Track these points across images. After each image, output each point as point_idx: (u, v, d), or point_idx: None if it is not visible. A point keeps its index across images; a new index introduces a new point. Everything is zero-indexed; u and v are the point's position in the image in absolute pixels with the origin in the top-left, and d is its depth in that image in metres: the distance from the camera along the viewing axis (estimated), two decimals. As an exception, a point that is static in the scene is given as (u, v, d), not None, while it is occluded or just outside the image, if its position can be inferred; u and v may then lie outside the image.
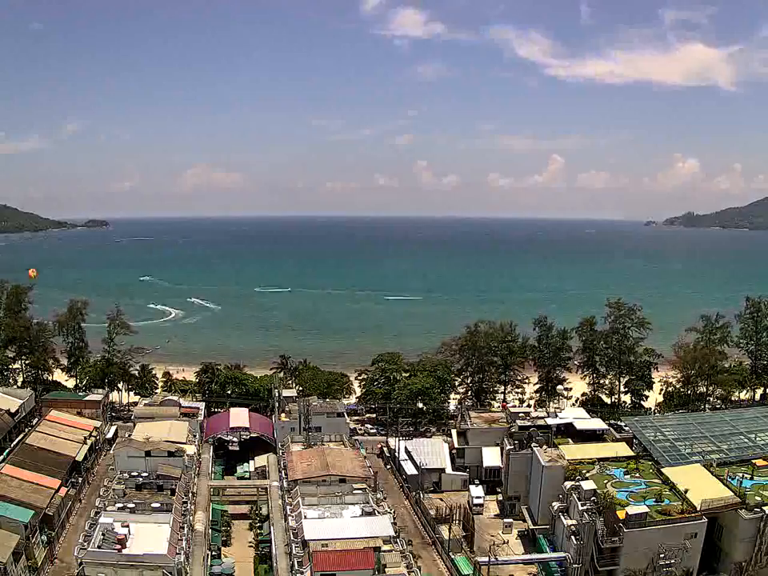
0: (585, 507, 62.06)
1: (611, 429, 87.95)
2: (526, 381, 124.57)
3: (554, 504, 68.05)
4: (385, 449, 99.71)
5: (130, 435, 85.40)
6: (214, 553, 66.63)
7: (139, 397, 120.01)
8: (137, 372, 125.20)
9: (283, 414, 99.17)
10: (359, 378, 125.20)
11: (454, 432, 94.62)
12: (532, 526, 72.17)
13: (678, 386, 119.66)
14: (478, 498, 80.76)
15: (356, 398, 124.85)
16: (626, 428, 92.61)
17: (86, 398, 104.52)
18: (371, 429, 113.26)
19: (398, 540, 62.04)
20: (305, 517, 64.62)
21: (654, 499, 62.13)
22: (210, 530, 69.35)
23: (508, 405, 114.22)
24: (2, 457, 77.30)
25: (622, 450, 76.23)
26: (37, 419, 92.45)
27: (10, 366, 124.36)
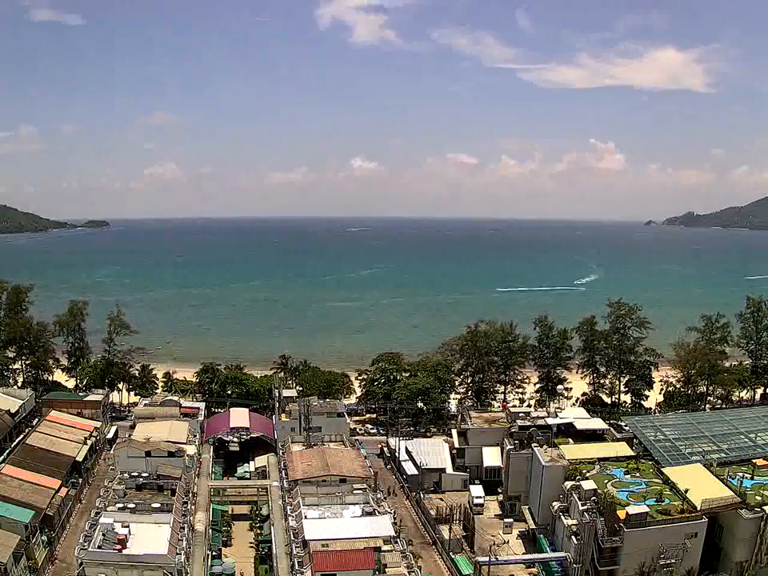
0: (585, 507, 62.02)
1: (611, 429, 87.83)
2: (526, 381, 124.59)
3: (554, 504, 68.03)
4: (385, 449, 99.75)
5: (130, 435, 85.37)
6: (214, 553, 66.62)
7: (139, 397, 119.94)
8: (137, 372, 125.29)
9: (283, 414, 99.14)
10: (359, 377, 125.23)
11: (454, 432, 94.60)
12: (533, 526, 72.17)
13: (678, 386, 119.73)
14: (478, 497, 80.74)
15: (356, 397, 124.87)
16: (626, 428, 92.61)
17: (86, 399, 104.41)
18: (371, 429, 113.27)
19: (398, 540, 62.02)
20: (305, 517, 64.61)
21: (654, 499, 62.07)
22: (211, 531, 69.34)
23: (508, 405, 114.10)
24: (2, 457, 77.23)
25: (623, 449, 76.09)
26: (37, 419, 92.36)
27: (10, 367, 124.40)
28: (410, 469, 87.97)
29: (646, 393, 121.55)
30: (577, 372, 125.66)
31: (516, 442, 79.49)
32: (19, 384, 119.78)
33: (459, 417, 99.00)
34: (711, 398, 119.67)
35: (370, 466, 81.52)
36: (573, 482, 66.87)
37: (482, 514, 79.07)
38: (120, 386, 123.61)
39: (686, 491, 61.67)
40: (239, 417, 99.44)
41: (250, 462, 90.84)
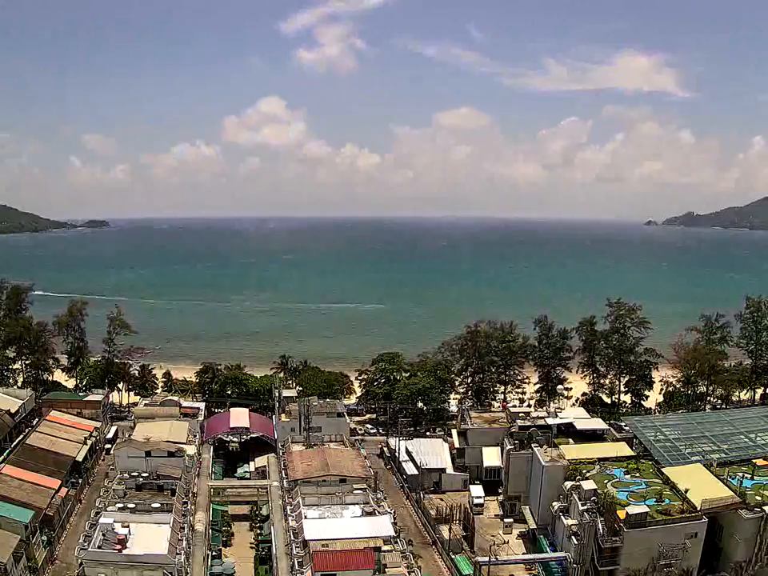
0: (585, 507, 62.05)
1: (611, 429, 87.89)
2: (526, 381, 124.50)
3: (554, 504, 68.08)
4: (385, 449, 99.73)
5: (130, 435, 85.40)
6: (214, 553, 66.65)
7: (139, 397, 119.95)
8: (137, 372, 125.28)
9: (283, 414, 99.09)
10: (359, 378, 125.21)
11: (454, 432, 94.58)
12: (533, 526, 72.18)
13: (678, 386, 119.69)
14: (478, 498, 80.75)
15: (356, 397, 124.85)
16: (626, 428, 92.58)
17: (86, 399, 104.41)
18: (371, 429, 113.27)
19: (398, 540, 62.11)
20: (305, 517, 64.66)
21: (654, 499, 62.08)
22: (211, 531, 69.35)
23: (508, 405, 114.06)
24: (2, 457, 77.30)
25: (622, 449, 76.09)
26: (37, 419, 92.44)
27: (10, 366, 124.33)
28: (410, 469, 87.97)
29: (646, 393, 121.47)
30: (577, 372, 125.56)
31: (516, 442, 79.46)
32: (19, 384, 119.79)
33: (459, 417, 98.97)
34: (711, 398, 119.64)
35: (370, 466, 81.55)
36: (573, 482, 66.89)
37: (482, 514, 79.10)
38: (120, 386, 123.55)
39: (686, 491, 61.69)
40: (239, 417, 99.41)
41: (250, 462, 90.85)
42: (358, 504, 68.46)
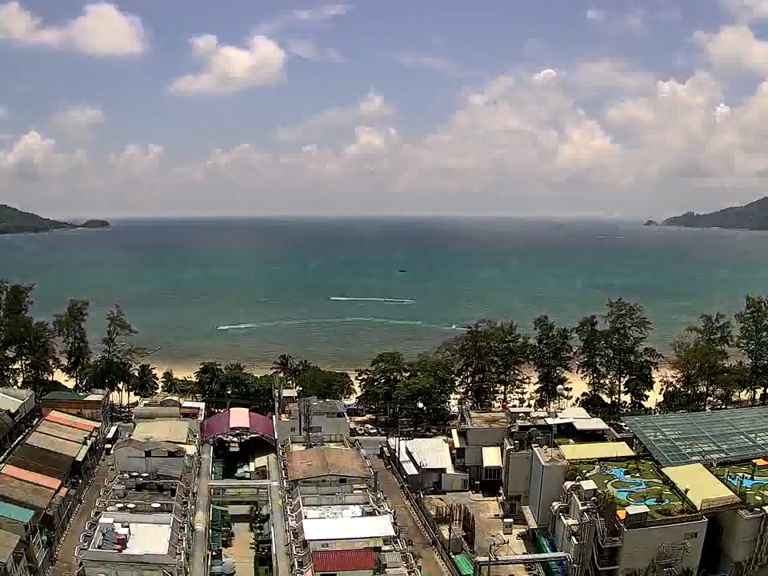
0: (585, 507, 62.04)
1: (611, 429, 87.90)
2: (527, 381, 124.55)
3: (554, 504, 68.08)
4: (385, 449, 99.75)
5: (130, 435, 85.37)
6: (214, 553, 66.58)
7: (139, 397, 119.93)
8: (137, 372, 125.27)
9: (283, 414, 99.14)
10: (359, 377, 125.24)
11: (454, 432, 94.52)
12: (533, 526, 72.18)
13: (678, 386, 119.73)
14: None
15: (356, 397, 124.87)
16: (626, 428, 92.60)
17: (86, 399, 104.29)
18: (371, 429, 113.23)
19: (398, 540, 61.96)
20: (305, 517, 64.58)
21: (654, 499, 62.10)
22: (211, 531, 69.32)
23: (508, 405, 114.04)
24: (2, 457, 77.21)
25: (622, 450, 76.11)
26: (37, 419, 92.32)
27: (10, 366, 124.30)
28: (410, 469, 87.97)
29: (646, 393, 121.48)
30: (577, 372, 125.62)
31: (516, 442, 79.44)
32: (19, 384, 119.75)
33: (459, 417, 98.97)
34: (711, 398, 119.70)
35: (370, 466, 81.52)
36: (573, 482, 66.89)
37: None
38: (120, 385, 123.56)
39: (686, 491, 61.66)
40: (239, 417, 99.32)
41: (250, 462, 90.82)
42: (358, 504, 68.32)
